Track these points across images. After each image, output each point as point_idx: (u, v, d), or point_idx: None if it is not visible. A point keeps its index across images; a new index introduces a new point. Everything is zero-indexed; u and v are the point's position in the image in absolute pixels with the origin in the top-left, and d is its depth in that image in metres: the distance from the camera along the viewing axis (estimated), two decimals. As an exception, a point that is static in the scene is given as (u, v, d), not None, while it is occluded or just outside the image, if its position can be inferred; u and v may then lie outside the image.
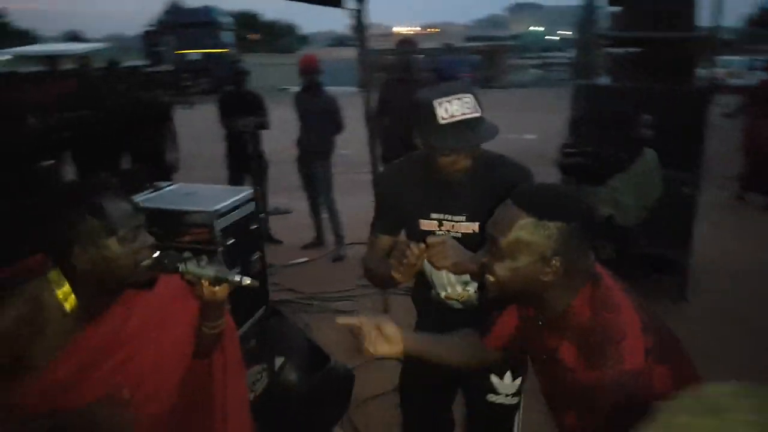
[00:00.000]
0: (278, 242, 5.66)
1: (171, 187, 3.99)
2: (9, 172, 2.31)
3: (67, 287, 1.37)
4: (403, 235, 2.02)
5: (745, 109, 7.20)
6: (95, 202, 1.34)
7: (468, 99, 1.64)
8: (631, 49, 5.16)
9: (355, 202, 5.62)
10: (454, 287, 1.97)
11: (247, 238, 3.65)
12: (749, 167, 6.97)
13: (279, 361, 2.87)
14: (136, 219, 1.40)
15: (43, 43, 28.83)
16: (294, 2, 4.09)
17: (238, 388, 1.76)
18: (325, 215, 5.46)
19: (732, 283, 4.60)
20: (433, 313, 2.02)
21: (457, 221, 1.86)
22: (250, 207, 3.75)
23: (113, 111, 5.29)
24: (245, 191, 3.75)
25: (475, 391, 2.02)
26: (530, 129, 12.28)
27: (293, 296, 4.44)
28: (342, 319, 1.50)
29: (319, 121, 5.15)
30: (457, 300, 1.95)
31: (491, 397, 1.96)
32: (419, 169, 1.86)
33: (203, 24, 21.61)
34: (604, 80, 5.69)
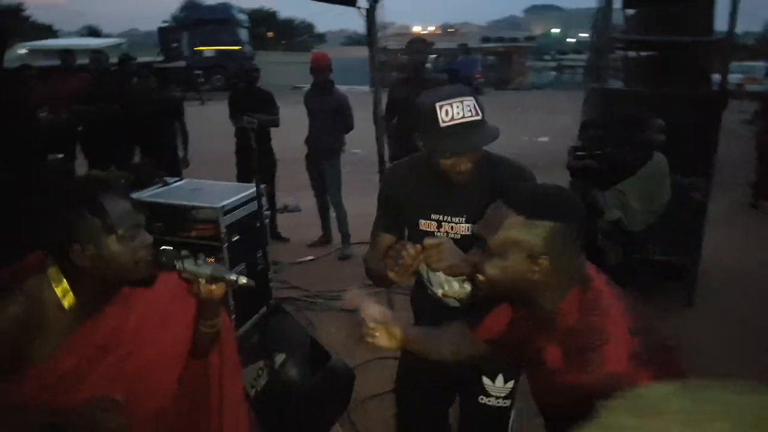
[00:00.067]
0: (285, 240, 5.68)
1: (179, 183, 4.02)
2: (15, 166, 2.33)
3: (65, 284, 1.38)
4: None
5: (759, 116, 7.13)
6: (95, 200, 1.34)
7: (469, 102, 1.65)
8: (644, 53, 5.12)
9: (363, 202, 5.62)
10: (451, 285, 1.96)
11: (252, 235, 3.67)
12: (763, 175, 6.89)
13: (280, 357, 2.88)
14: (136, 218, 1.41)
15: (63, 37, 29.21)
16: (309, 0, 4.11)
17: (235, 388, 1.77)
18: (332, 214, 5.47)
19: (740, 289, 4.56)
20: (429, 313, 2.02)
21: (456, 223, 1.86)
22: (256, 204, 3.77)
23: (124, 105, 5.33)
24: (252, 188, 3.77)
25: (468, 394, 2.02)
26: (544, 131, 12.24)
27: (298, 294, 4.45)
28: (350, 296, 1.53)
29: (328, 120, 5.15)
30: (454, 297, 1.95)
31: (483, 399, 1.96)
32: (421, 169, 1.87)
33: (219, 21, 21.64)
34: (616, 84, 5.65)
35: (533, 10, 79.71)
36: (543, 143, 11.33)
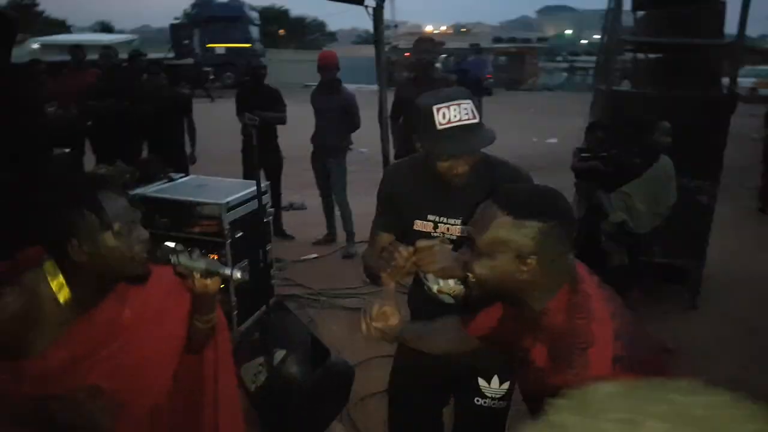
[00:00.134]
0: (290, 237, 5.69)
1: (184, 179, 4.05)
2: (19, 161, 2.35)
3: (61, 279, 1.40)
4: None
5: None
6: (92, 196, 1.36)
7: (467, 105, 1.66)
8: (653, 55, 5.08)
9: (368, 201, 5.61)
10: (446, 282, 1.97)
11: (255, 231, 3.69)
12: (769, 180, 6.86)
13: (280, 354, 2.89)
14: (132, 213, 1.42)
15: (76, 33, 29.41)
16: (319, -1, 4.12)
17: (229, 383, 1.78)
18: (337, 212, 5.48)
19: (745, 293, 4.54)
20: (425, 310, 2.03)
21: (452, 224, 1.87)
22: (262, 201, 3.78)
23: (133, 101, 5.36)
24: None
25: (463, 394, 2.02)
26: (553, 133, 12.19)
27: (301, 291, 4.47)
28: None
29: (335, 119, 5.16)
30: (449, 294, 1.96)
31: (479, 401, 1.96)
32: (420, 170, 1.88)
33: (230, 18, 21.67)
34: (625, 86, 5.62)
35: (546, 11, 79.40)
36: (552, 145, 11.29)
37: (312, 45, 37.04)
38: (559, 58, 33.41)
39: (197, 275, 1.48)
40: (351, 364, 3.06)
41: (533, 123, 14.03)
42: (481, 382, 1.95)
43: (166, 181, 3.91)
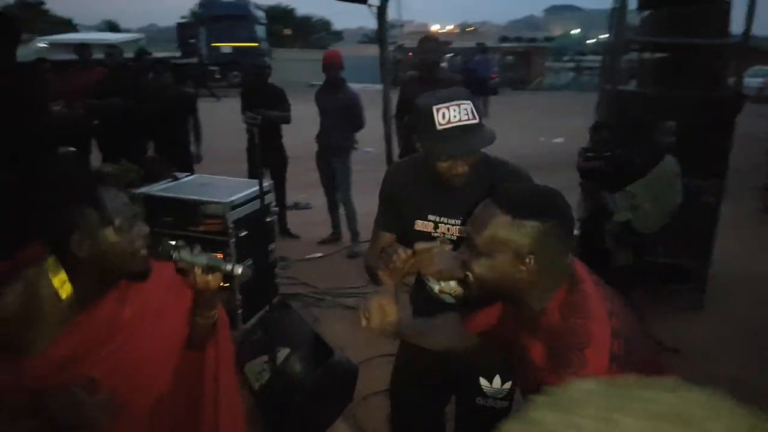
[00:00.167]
0: (295, 237, 5.70)
1: (188, 178, 4.06)
2: (22, 160, 2.37)
3: (63, 275, 1.41)
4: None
5: None
6: (92, 192, 1.37)
7: (466, 106, 1.66)
8: (658, 55, 5.07)
9: (373, 200, 5.61)
10: (447, 282, 1.98)
11: (259, 230, 3.70)
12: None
13: (284, 352, 2.90)
14: (132, 209, 1.43)
15: (83, 32, 29.53)
16: (322, -2, 4.12)
17: (230, 380, 1.78)
18: (342, 211, 5.48)
19: (750, 293, 4.52)
20: (426, 312, 2.03)
21: (452, 224, 1.87)
22: (266, 200, 3.79)
23: (138, 100, 5.38)
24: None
25: (465, 394, 2.02)
26: (560, 132, 12.16)
27: (306, 290, 4.47)
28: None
29: (339, 118, 5.16)
30: (450, 294, 1.96)
31: (480, 401, 1.96)
32: (421, 170, 1.88)
33: (236, 17, 21.67)
34: (632, 86, 5.60)
35: (553, 10, 79.01)
36: (558, 144, 11.25)
37: (318, 44, 37.05)
38: (565, 58, 33.23)
39: (198, 271, 1.49)
40: (354, 363, 3.07)
41: (539, 123, 13.99)
42: (483, 381, 1.95)
43: (170, 180, 3.92)
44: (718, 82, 4.61)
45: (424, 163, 1.84)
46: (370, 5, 3.96)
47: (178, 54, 20.74)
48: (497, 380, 1.94)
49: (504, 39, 32.91)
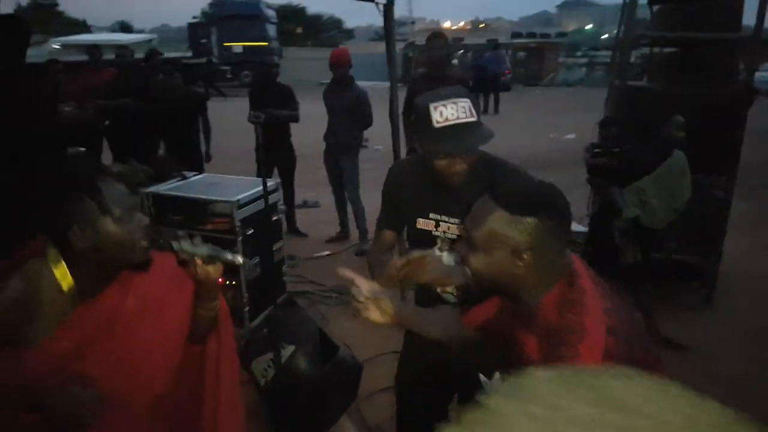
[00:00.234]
0: (304, 235, 5.72)
1: (196, 177, 4.09)
2: (27, 160, 2.40)
3: (63, 267, 1.42)
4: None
5: None
6: (91, 183, 1.39)
7: (464, 103, 1.65)
8: (668, 49, 5.02)
9: (381, 198, 5.64)
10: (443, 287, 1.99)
11: (266, 229, 3.72)
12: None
13: (289, 349, 2.92)
14: (131, 200, 1.45)
15: (96, 32, 29.80)
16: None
17: (231, 377, 1.79)
18: (350, 210, 5.49)
19: (762, 291, 4.46)
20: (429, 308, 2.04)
21: (453, 223, 1.87)
22: (272, 198, 3.82)
23: (148, 101, 5.42)
24: (268, 183, 3.81)
25: (465, 391, 2.02)
26: (571, 129, 12.09)
27: (313, 288, 4.49)
28: (342, 272, 1.58)
29: (347, 116, 5.16)
30: (452, 294, 1.96)
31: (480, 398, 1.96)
32: (422, 168, 1.88)
33: (247, 17, 21.72)
34: (640, 81, 5.57)
35: (566, 6, 78.46)
36: (569, 141, 11.19)
37: (329, 42, 37.03)
38: (579, 53, 33.01)
39: (199, 261, 1.50)
40: (359, 360, 3.08)
41: (551, 119, 13.91)
42: (483, 378, 1.94)
43: (179, 179, 3.95)
44: (729, 76, 4.56)
45: (425, 162, 1.84)
46: (377, 3, 3.94)
47: (189, 54, 20.85)
48: (497, 377, 1.94)
49: (516, 35, 32.71)
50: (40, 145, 2.60)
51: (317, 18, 47.43)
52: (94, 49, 6.51)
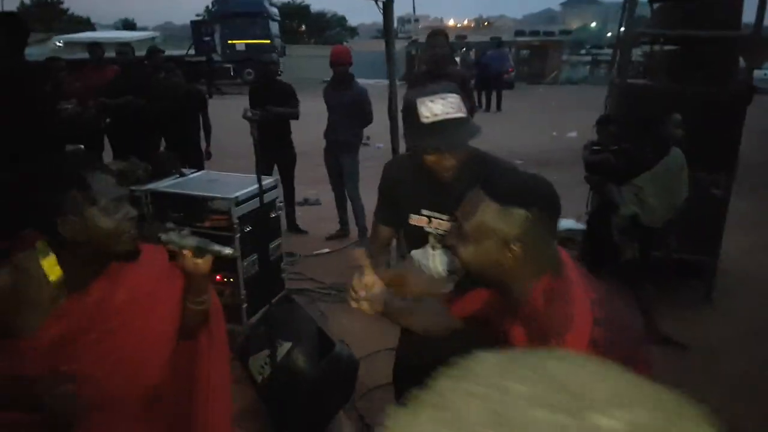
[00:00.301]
0: (304, 232, 5.73)
1: (196, 174, 4.10)
2: (25, 157, 2.42)
3: (52, 259, 1.43)
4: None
5: None
6: (76, 174, 1.40)
7: (452, 99, 1.65)
8: (668, 47, 5.01)
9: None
10: (443, 276, 2.00)
11: (265, 226, 3.73)
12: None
13: (286, 346, 2.93)
14: (118, 191, 1.46)
15: (100, 30, 29.87)
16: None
17: (222, 371, 1.80)
18: (350, 207, 5.50)
19: (761, 289, 4.46)
20: None
21: (444, 219, 1.88)
22: (270, 196, 3.83)
23: (150, 98, 5.44)
24: (266, 180, 3.82)
25: None
26: (574, 127, 12.08)
27: (313, 285, 4.50)
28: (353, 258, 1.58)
29: (347, 114, 5.17)
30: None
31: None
32: (416, 164, 1.88)
33: (250, 14, 21.74)
34: (640, 79, 5.55)
35: (570, 3, 78.28)
36: (572, 139, 11.18)
37: (332, 40, 37.07)
38: (582, 51, 32.98)
39: (188, 254, 1.50)
40: (355, 356, 3.09)
41: (554, 117, 13.89)
42: None
43: (178, 176, 3.96)
44: (728, 74, 4.55)
45: (417, 158, 1.85)
46: (377, 1, 3.95)
47: (192, 52, 20.87)
48: None
49: (519, 33, 32.68)
50: (37, 142, 2.61)
51: (321, 15, 47.45)
52: (96, 47, 6.52)
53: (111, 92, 5.55)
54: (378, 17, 4.05)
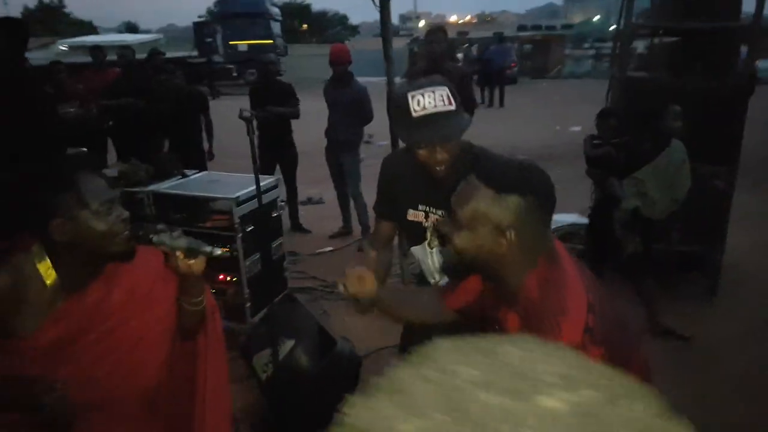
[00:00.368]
0: (307, 231, 5.75)
1: (198, 175, 4.12)
2: (26, 160, 2.44)
3: (47, 262, 1.45)
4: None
5: None
6: (68, 177, 1.42)
7: (442, 92, 1.65)
8: (668, 39, 4.99)
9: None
10: (442, 275, 2.00)
11: (267, 225, 3.74)
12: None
13: (288, 344, 2.95)
14: (109, 193, 1.47)
15: (103, 33, 29.96)
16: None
17: (220, 371, 1.81)
18: (353, 205, 5.51)
19: (764, 286, 4.41)
20: None
21: (440, 214, 1.88)
22: (272, 195, 3.84)
23: (151, 100, 5.46)
24: (267, 180, 3.83)
25: None
26: (577, 121, 12.04)
27: (315, 284, 4.51)
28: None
29: (347, 112, 5.18)
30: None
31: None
32: (413, 159, 1.88)
33: (252, 15, 21.74)
34: (640, 72, 5.53)
35: (572, -2, 77.91)
36: (575, 133, 11.15)
37: (334, 39, 37.05)
38: (586, 45, 32.81)
39: (180, 255, 1.51)
40: (357, 353, 3.10)
41: (557, 111, 13.85)
42: None
43: (179, 177, 3.98)
44: (729, 65, 4.52)
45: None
46: (375, -1, 3.93)
47: (195, 53, 20.91)
48: None
49: (522, 27, 32.57)
50: (35, 145, 2.63)
51: (322, 15, 47.42)
52: (97, 50, 6.56)
53: (112, 94, 5.58)
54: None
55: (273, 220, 3.88)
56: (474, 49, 20.29)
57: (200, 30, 22.14)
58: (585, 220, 4.75)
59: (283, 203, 4.23)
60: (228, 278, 3.62)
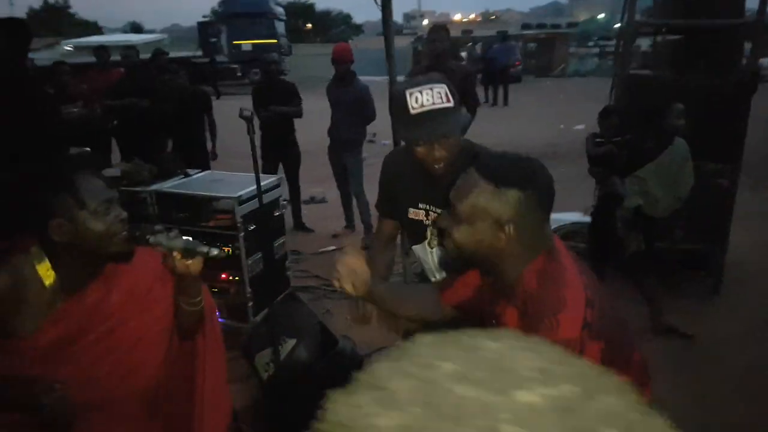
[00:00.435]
0: (310, 231, 5.75)
1: (200, 174, 4.13)
2: (26, 160, 2.45)
3: (46, 263, 1.46)
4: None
5: None
6: (66, 177, 1.42)
7: (440, 89, 1.65)
8: (671, 37, 4.97)
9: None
10: (441, 273, 2.00)
11: (269, 224, 3.75)
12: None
13: (290, 343, 2.95)
14: (107, 193, 1.48)
15: (108, 33, 30.05)
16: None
17: (219, 371, 1.81)
18: (355, 204, 5.51)
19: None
20: None
21: (439, 213, 1.88)
22: (274, 194, 3.85)
23: (155, 100, 5.48)
24: (269, 179, 3.84)
25: None
26: (581, 119, 12.01)
27: (318, 283, 4.52)
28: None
29: (350, 111, 5.18)
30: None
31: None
32: (413, 157, 1.88)
33: (256, 14, 21.72)
34: (644, 70, 5.51)
35: (577, -5, 77.69)
36: (579, 131, 11.12)
37: (338, 38, 37.05)
38: (590, 43, 32.71)
39: (177, 255, 1.50)
40: (359, 352, 3.10)
41: (562, 110, 13.81)
42: None
43: (182, 176, 4.00)
44: (733, 63, 4.51)
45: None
46: (377, -3, 3.93)
47: (199, 53, 20.92)
48: None
49: (526, 26, 32.50)
50: (38, 145, 2.64)
51: (326, 14, 47.43)
52: (101, 50, 6.57)
53: (116, 94, 5.60)
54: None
55: (275, 219, 3.89)
56: (478, 48, 20.27)
57: (204, 30, 22.14)
58: (587, 219, 4.74)
59: (285, 202, 4.23)
60: (230, 277, 3.63)
